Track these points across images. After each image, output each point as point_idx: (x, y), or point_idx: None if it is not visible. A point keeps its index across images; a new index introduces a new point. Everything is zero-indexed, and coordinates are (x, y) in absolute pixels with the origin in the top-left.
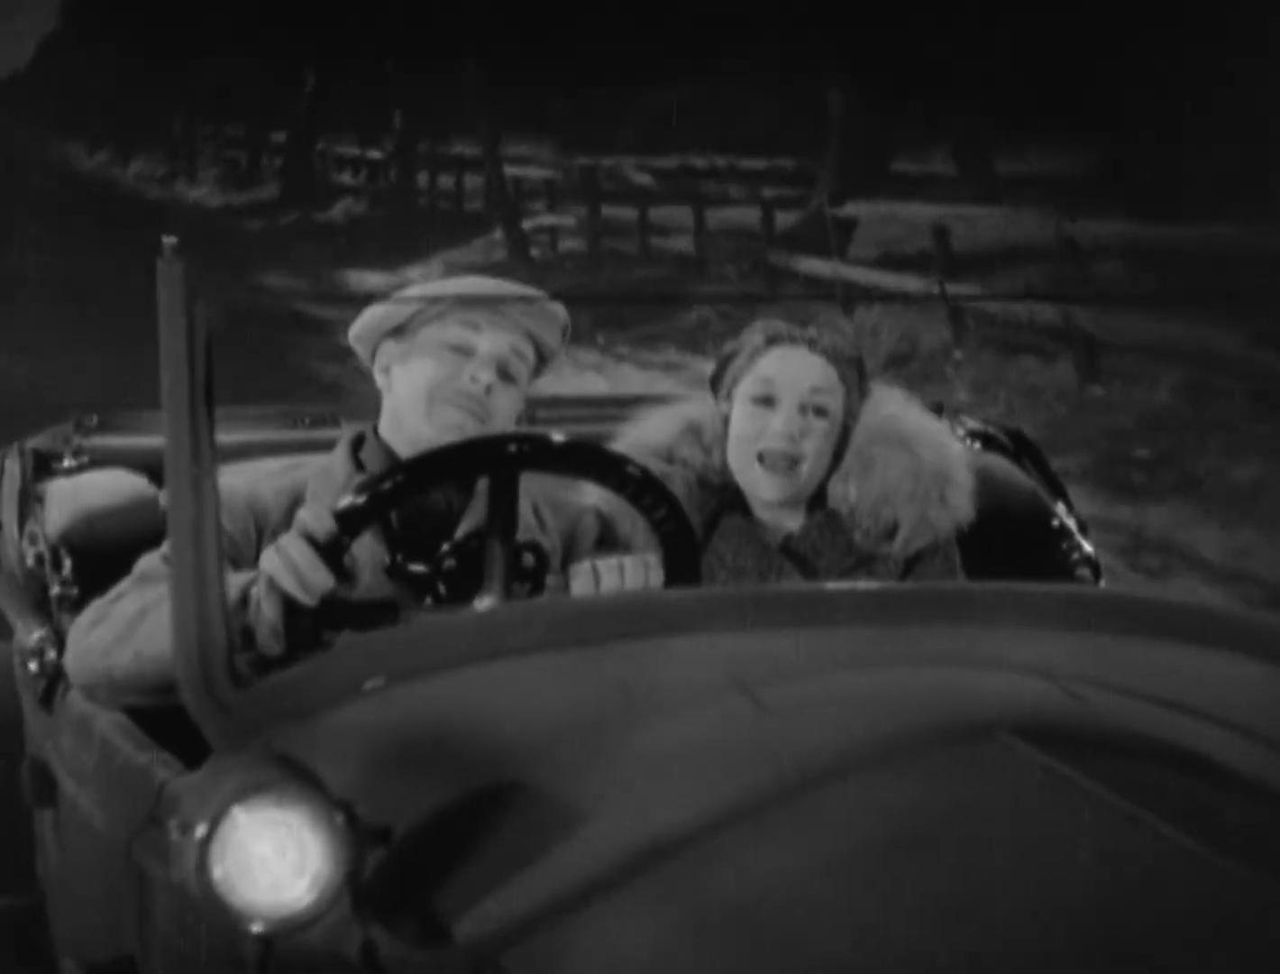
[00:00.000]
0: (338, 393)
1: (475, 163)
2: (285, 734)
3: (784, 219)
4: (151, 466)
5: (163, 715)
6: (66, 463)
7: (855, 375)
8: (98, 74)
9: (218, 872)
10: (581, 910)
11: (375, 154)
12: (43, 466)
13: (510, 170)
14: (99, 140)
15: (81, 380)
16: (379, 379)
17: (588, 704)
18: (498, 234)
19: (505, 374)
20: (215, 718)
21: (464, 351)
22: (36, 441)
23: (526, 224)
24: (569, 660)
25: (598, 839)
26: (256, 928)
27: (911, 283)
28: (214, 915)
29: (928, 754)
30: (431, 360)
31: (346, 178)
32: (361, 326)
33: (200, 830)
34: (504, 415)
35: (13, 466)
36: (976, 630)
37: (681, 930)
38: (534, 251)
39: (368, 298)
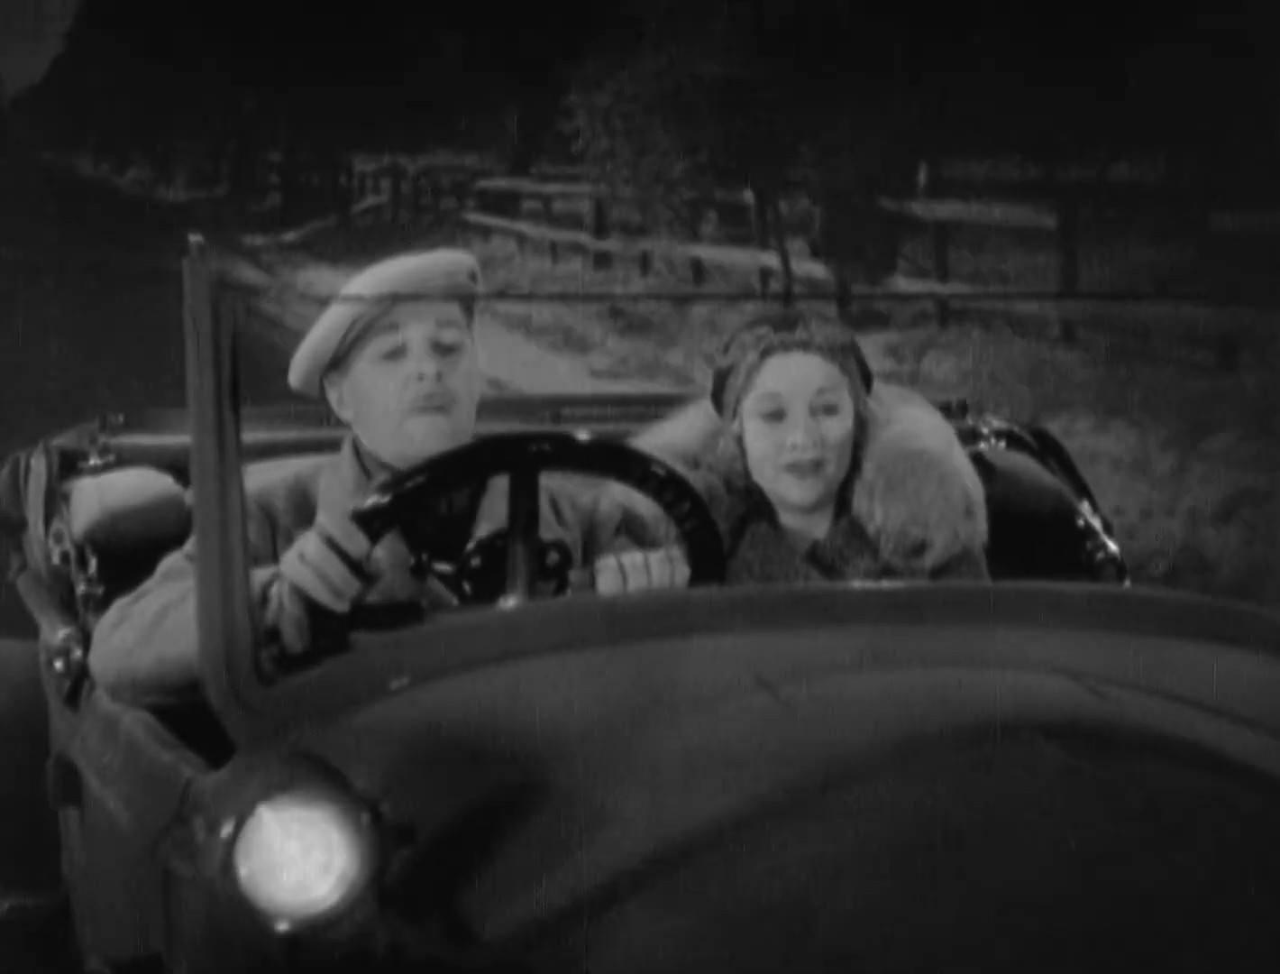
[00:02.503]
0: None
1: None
2: (311, 733)
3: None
4: (177, 465)
5: (188, 714)
6: (92, 462)
7: (854, 362)
8: (99, 94)
9: (244, 870)
10: (606, 909)
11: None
12: (68, 465)
13: (360, 167)
14: (101, 154)
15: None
16: (338, 411)
17: (612, 703)
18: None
19: (442, 348)
20: (241, 717)
21: (397, 355)
22: (62, 440)
23: (364, 203)
24: (593, 659)
25: (622, 838)
26: (282, 927)
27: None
28: (240, 914)
29: (952, 753)
30: (376, 378)
31: (274, 177)
32: (299, 368)
33: (226, 829)
34: (464, 389)
35: (38, 465)
36: (1000, 630)
37: (706, 928)
38: (367, 221)
39: (386, 301)
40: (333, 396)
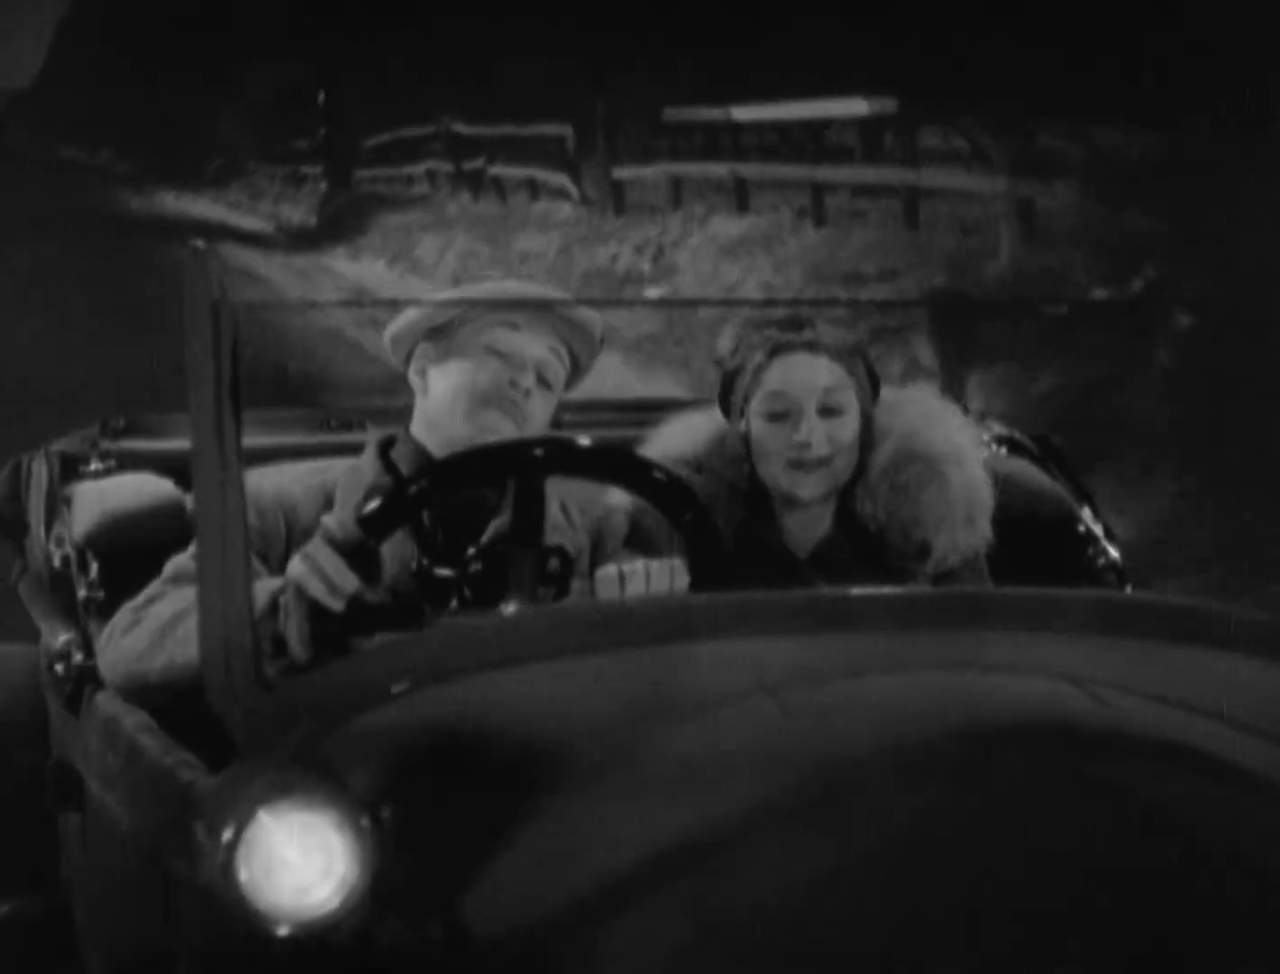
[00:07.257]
0: None
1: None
2: (311, 737)
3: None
4: (178, 470)
5: (189, 717)
6: (93, 466)
7: (861, 364)
8: (78, 96)
9: (244, 874)
10: (606, 914)
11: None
12: (69, 470)
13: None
14: (80, 145)
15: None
16: (414, 380)
17: (613, 708)
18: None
19: (543, 379)
20: (241, 720)
21: (504, 355)
22: (63, 445)
23: (216, 163)
24: (594, 664)
25: (622, 842)
26: (282, 930)
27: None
28: (240, 918)
29: (953, 758)
30: (472, 362)
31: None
32: (399, 329)
33: (227, 833)
34: (539, 420)
35: (39, 470)
36: (1001, 635)
37: (706, 932)
38: (215, 174)
39: (395, 302)
40: (416, 362)
